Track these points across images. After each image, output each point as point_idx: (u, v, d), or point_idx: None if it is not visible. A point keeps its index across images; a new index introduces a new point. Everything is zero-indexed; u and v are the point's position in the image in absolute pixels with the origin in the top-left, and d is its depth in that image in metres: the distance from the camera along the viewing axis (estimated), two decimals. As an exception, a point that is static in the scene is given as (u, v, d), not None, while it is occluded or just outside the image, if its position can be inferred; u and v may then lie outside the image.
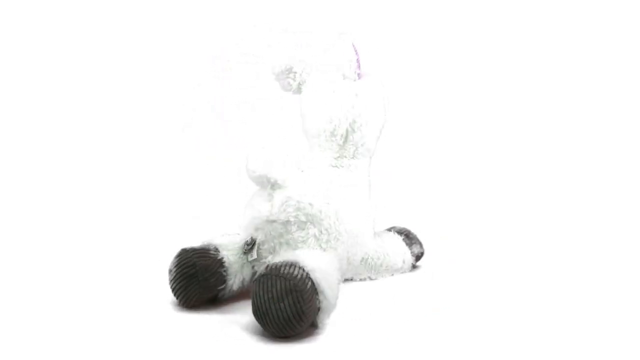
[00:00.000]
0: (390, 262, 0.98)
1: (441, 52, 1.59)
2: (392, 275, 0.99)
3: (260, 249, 0.84)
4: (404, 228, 1.05)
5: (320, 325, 0.75)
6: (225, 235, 0.88)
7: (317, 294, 0.73)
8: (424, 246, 1.04)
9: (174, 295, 0.83)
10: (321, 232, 0.84)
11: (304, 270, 0.73)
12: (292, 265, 0.73)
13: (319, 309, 0.74)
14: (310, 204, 0.83)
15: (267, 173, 0.82)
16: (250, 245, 0.85)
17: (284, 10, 1.57)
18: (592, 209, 1.36)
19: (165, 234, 1.18)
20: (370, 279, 0.97)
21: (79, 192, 1.42)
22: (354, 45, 0.99)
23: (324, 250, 0.84)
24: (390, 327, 0.78)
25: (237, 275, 0.84)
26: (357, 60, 0.98)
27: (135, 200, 1.40)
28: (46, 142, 1.50)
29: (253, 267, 0.85)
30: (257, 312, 0.72)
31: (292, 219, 0.83)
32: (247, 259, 0.85)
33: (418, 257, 1.03)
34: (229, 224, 1.13)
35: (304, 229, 0.83)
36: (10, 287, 0.91)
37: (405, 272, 1.01)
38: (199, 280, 0.81)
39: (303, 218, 0.83)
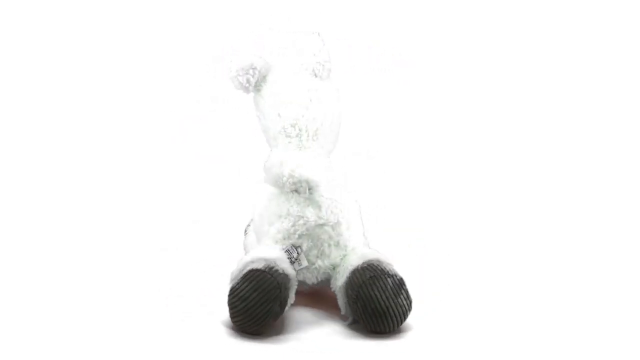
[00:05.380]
0: None
1: (436, 52, 1.58)
2: None
3: (308, 256, 0.83)
4: None
5: None
6: (261, 248, 0.84)
7: None
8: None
9: (253, 323, 0.75)
10: (359, 228, 0.88)
11: (389, 265, 0.80)
12: (382, 262, 0.79)
13: None
14: (347, 203, 0.86)
15: (309, 176, 0.81)
16: (298, 254, 0.83)
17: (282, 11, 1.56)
18: (592, 211, 1.35)
19: (164, 237, 1.18)
20: None
21: (76, 193, 1.41)
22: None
23: (364, 246, 0.87)
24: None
25: (294, 288, 0.82)
26: (330, 61, 0.93)
27: (134, 203, 1.40)
28: (46, 143, 1.50)
29: (296, 276, 0.83)
30: (375, 313, 0.75)
31: (341, 220, 0.84)
32: (295, 268, 0.82)
33: None
34: (229, 227, 1.14)
35: (350, 228, 0.85)
36: (9, 295, 0.90)
37: None
38: (280, 301, 0.76)
39: (348, 217, 0.85)
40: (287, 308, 0.80)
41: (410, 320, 0.80)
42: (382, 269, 0.77)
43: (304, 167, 0.81)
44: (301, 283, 0.84)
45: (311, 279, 0.84)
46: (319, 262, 0.83)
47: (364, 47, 1.51)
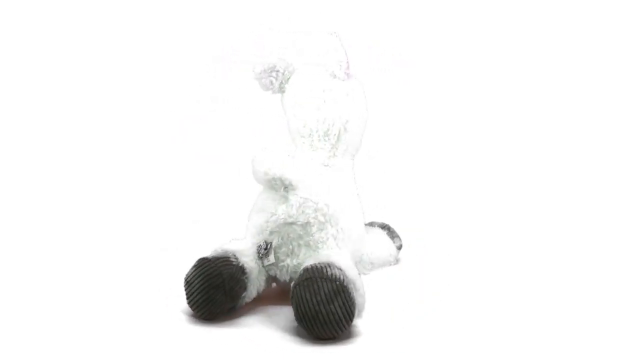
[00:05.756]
0: (380, 257, 1.00)
1: (437, 52, 1.58)
2: (380, 268, 1.00)
3: (277, 253, 0.84)
4: (383, 223, 1.09)
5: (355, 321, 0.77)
6: (235, 241, 0.87)
7: (355, 292, 0.75)
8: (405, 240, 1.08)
9: (197, 308, 0.79)
10: (338, 231, 0.85)
11: (341, 270, 0.75)
12: (330, 266, 0.75)
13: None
14: (327, 205, 0.84)
15: (282, 174, 0.82)
16: (266, 250, 0.84)
17: (281, 10, 1.56)
18: (590, 209, 1.35)
19: (164, 239, 1.18)
20: (362, 274, 0.95)
21: (77, 193, 1.41)
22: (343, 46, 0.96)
23: (341, 249, 0.85)
24: (382, 320, 0.80)
25: (255, 282, 0.84)
26: (347, 62, 0.95)
27: (134, 204, 1.40)
28: (46, 143, 1.50)
29: (267, 271, 0.85)
30: (305, 316, 0.72)
31: (312, 220, 0.83)
32: (263, 263, 0.84)
33: (399, 250, 1.07)
34: (229, 227, 1.14)
35: (323, 230, 0.84)
36: (9, 295, 0.90)
37: (391, 265, 1.03)
38: (225, 290, 0.79)
39: (322, 219, 0.83)
40: (244, 299, 0.82)
41: (409, 320, 0.81)
42: (322, 272, 0.73)
43: (279, 165, 0.82)
44: (276, 279, 0.87)
45: (282, 276, 0.85)
46: (288, 261, 0.84)
47: (364, 47, 1.51)
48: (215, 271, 0.79)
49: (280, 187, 0.83)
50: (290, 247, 0.83)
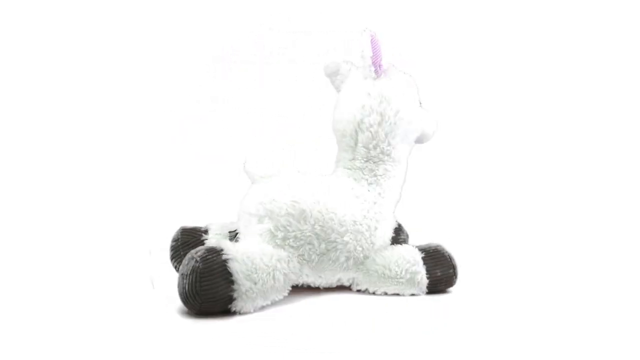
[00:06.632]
0: (390, 276, 0.89)
1: (436, 53, 1.58)
2: (400, 295, 0.90)
3: (238, 238, 0.90)
4: (432, 246, 0.93)
5: (239, 313, 0.80)
6: (228, 222, 0.96)
7: (230, 282, 0.78)
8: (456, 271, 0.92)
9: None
10: (277, 228, 0.85)
11: (221, 257, 0.78)
12: (213, 250, 0.79)
13: (231, 296, 0.78)
14: (274, 200, 0.86)
15: (247, 170, 0.90)
16: (233, 233, 0.91)
17: (293, 11, 1.56)
18: (590, 211, 1.35)
19: (163, 239, 1.18)
20: (368, 291, 0.90)
21: (77, 194, 1.41)
22: (371, 42, 0.92)
23: (280, 247, 0.85)
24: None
25: None
26: (373, 57, 0.91)
27: (134, 204, 1.40)
28: (46, 143, 1.50)
29: None
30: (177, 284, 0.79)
31: (253, 212, 0.86)
32: None
33: (440, 282, 0.91)
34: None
35: (262, 223, 0.86)
36: (10, 295, 0.91)
37: (417, 294, 0.90)
38: (179, 255, 0.93)
39: (262, 212, 0.86)
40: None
41: (408, 318, 0.80)
42: (197, 252, 0.79)
43: (249, 161, 0.90)
44: None
45: None
46: None
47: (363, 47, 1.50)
48: (175, 236, 0.95)
49: (250, 179, 0.90)
50: (242, 233, 0.89)
